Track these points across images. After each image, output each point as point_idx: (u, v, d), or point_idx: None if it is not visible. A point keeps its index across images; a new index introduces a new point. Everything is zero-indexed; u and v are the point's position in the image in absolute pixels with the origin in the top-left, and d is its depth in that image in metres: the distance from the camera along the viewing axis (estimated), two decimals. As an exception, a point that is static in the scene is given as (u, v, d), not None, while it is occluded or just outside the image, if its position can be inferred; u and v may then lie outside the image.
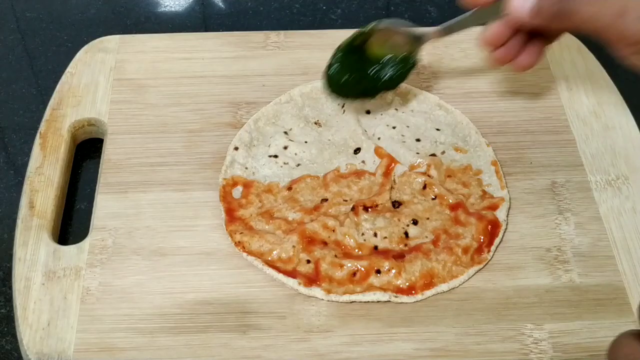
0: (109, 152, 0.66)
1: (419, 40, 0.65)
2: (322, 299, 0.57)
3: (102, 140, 0.67)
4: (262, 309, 0.57)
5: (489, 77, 0.72)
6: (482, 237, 0.60)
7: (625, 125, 0.69)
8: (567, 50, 0.74)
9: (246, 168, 0.65)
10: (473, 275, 0.59)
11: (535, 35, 0.61)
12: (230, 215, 0.62)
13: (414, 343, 0.55)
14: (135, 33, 0.76)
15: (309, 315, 0.57)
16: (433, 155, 0.66)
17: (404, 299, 0.57)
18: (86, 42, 0.74)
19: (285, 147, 0.66)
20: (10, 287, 0.58)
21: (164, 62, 0.73)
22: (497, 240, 0.60)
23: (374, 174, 0.64)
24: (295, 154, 0.66)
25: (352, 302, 0.57)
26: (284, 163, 0.65)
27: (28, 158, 0.65)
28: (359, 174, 0.65)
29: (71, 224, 0.65)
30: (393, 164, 0.65)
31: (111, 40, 0.74)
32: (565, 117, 0.69)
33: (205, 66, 0.72)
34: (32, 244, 0.60)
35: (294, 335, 0.56)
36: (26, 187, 0.63)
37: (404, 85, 0.68)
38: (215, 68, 0.72)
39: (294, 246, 0.59)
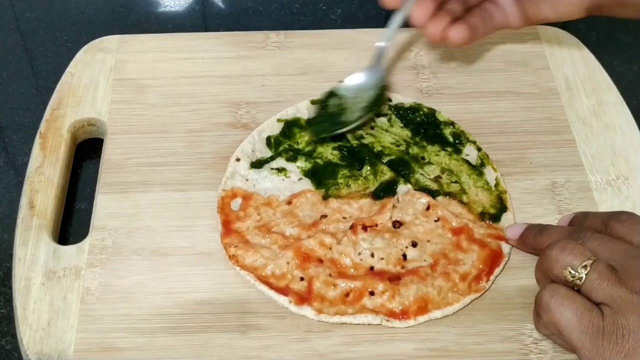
0: (109, 152, 0.66)
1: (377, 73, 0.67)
2: (313, 319, 0.56)
3: (102, 140, 0.67)
4: (262, 309, 0.57)
5: (489, 77, 0.72)
6: (481, 266, 0.58)
7: (625, 125, 0.69)
8: (567, 50, 0.74)
9: (247, 180, 0.63)
10: (469, 304, 0.57)
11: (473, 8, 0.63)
12: (227, 227, 0.60)
13: (414, 343, 0.55)
14: (135, 33, 0.76)
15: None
16: (438, 176, 0.64)
17: (396, 323, 0.55)
18: (86, 42, 0.74)
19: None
20: (10, 287, 0.58)
21: (163, 62, 0.73)
22: (497, 270, 0.58)
23: None
24: (298, 167, 0.65)
25: (343, 323, 0.56)
26: (286, 176, 0.64)
27: (28, 158, 0.65)
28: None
29: (71, 224, 0.65)
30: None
31: (111, 40, 0.74)
32: (565, 117, 0.69)
33: (205, 66, 0.72)
34: (32, 244, 0.60)
35: (293, 335, 0.56)
36: (26, 187, 0.63)
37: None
38: (215, 68, 0.72)
39: (288, 262, 0.58)
